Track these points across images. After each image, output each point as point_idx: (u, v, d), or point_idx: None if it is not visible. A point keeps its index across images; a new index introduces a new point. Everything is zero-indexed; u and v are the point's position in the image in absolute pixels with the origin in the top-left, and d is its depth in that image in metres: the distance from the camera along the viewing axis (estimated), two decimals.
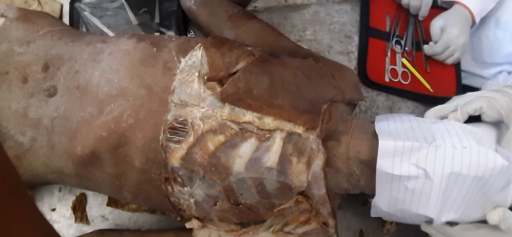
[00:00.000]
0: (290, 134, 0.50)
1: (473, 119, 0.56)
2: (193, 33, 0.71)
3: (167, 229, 0.59)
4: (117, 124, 0.49)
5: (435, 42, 0.74)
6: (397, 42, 0.76)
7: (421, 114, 0.73)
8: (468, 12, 0.74)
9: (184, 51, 0.53)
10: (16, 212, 0.31)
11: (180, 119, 0.49)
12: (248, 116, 0.50)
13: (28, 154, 0.53)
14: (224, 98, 0.49)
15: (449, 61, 0.74)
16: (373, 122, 0.57)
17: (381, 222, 0.66)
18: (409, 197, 0.51)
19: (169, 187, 0.51)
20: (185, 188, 0.51)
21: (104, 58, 0.53)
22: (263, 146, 0.50)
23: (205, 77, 0.50)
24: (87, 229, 0.62)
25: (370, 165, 0.52)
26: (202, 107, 0.50)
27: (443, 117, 0.58)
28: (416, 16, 0.78)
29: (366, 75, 0.73)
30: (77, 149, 0.50)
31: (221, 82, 0.51)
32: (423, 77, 0.74)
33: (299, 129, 0.50)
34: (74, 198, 0.62)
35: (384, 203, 0.52)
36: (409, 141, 0.50)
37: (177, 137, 0.49)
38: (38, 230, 0.35)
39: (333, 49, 0.74)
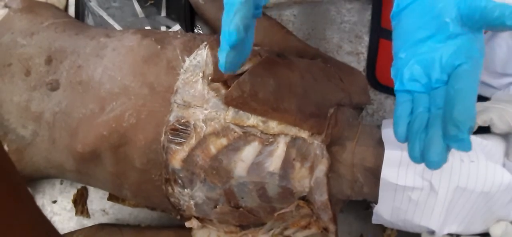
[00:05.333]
0: (294, 139, 0.49)
1: (482, 129, 0.55)
2: (199, 28, 0.70)
3: (167, 227, 0.59)
4: (119, 123, 0.49)
5: None
6: None
7: None
8: None
9: (189, 50, 0.52)
10: (16, 211, 0.31)
11: (182, 121, 0.48)
12: (253, 119, 0.49)
13: (30, 148, 0.53)
14: (229, 102, 0.48)
15: None
16: (379, 126, 0.56)
17: (382, 227, 0.66)
18: (412, 208, 0.50)
19: (169, 188, 0.51)
20: (186, 190, 0.51)
21: (107, 54, 0.52)
22: (266, 150, 0.49)
23: (210, 78, 0.49)
24: (88, 222, 0.62)
25: (374, 173, 0.51)
26: (206, 109, 0.49)
27: None
28: None
29: (375, 77, 0.71)
30: (78, 146, 0.50)
31: (225, 83, 0.50)
32: None
33: (304, 134, 0.49)
34: (75, 191, 0.63)
35: (386, 212, 0.52)
36: None
37: (179, 139, 0.48)
38: (39, 229, 0.35)
39: (342, 49, 0.72)
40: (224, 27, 0.37)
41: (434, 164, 0.35)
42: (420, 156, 0.36)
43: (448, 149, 0.35)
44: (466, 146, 0.33)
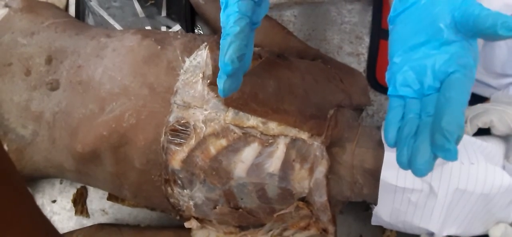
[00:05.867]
0: (294, 140, 0.49)
1: (483, 131, 0.55)
2: (200, 28, 0.70)
3: (166, 227, 0.59)
4: (118, 123, 0.49)
5: None
6: None
7: None
8: None
9: (189, 51, 0.52)
10: (16, 211, 0.31)
11: (182, 121, 0.48)
12: (252, 120, 0.49)
13: (29, 148, 0.53)
14: (229, 103, 0.48)
15: None
16: (379, 128, 0.56)
17: (381, 229, 0.66)
18: (412, 210, 0.50)
19: (169, 189, 0.51)
20: (185, 190, 0.51)
21: (107, 54, 0.52)
22: (265, 152, 0.49)
23: (208, 81, 0.49)
24: (87, 222, 0.62)
25: (374, 174, 0.51)
26: (205, 110, 0.49)
27: None
28: None
29: (375, 78, 0.71)
30: (78, 146, 0.50)
31: None
32: None
33: (304, 135, 0.49)
34: (75, 190, 0.63)
35: (385, 213, 0.52)
36: None
37: (179, 140, 0.48)
38: (39, 229, 0.35)
39: (343, 50, 0.72)
40: (221, 56, 0.38)
41: (420, 172, 0.34)
42: (408, 162, 0.36)
43: (435, 157, 0.34)
44: (452, 156, 0.32)
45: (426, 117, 0.36)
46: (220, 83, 0.39)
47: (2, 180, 0.30)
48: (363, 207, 0.66)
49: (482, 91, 0.82)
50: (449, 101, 0.34)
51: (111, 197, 0.60)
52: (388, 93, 0.41)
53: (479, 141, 0.52)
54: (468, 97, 0.34)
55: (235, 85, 0.40)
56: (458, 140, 0.32)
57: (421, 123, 0.36)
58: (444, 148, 0.32)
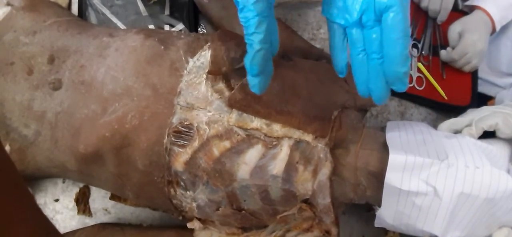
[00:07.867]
0: (298, 142, 0.49)
1: (487, 134, 0.54)
2: (203, 27, 0.69)
3: (168, 227, 0.59)
4: (121, 124, 0.48)
5: (453, 48, 0.72)
6: (414, 46, 0.73)
7: (434, 121, 0.72)
8: (488, 18, 0.71)
9: (192, 51, 0.52)
10: (17, 211, 0.31)
11: (185, 123, 0.48)
12: (256, 122, 0.48)
13: (32, 148, 0.52)
14: (232, 104, 0.48)
15: (466, 68, 0.72)
16: (383, 129, 0.55)
17: (383, 230, 0.65)
18: (416, 213, 0.50)
19: (171, 190, 0.51)
20: (188, 192, 0.50)
21: (110, 54, 0.52)
22: (269, 153, 0.49)
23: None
24: (90, 221, 0.62)
25: (378, 177, 0.51)
26: (209, 111, 0.48)
27: (457, 131, 0.57)
28: (435, 19, 0.75)
29: None
30: (80, 147, 0.49)
31: (229, 85, 0.49)
32: (438, 84, 0.72)
33: (308, 137, 0.49)
34: (77, 189, 0.62)
35: (389, 216, 0.52)
36: (420, 156, 0.48)
37: (182, 141, 0.48)
38: (39, 229, 0.35)
39: None
40: (248, 58, 0.39)
41: (382, 101, 0.40)
42: (367, 95, 0.41)
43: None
44: (404, 87, 0.38)
45: (376, 59, 0.38)
46: (253, 81, 0.40)
47: (3, 180, 0.30)
48: (366, 208, 0.66)
49: (487, 90, 0.81)
50: (394, 44, 0.36)
51: (113, 197, 0.60)
52: (324, 14, 0.42)
53: (484, 145, 0.52)
54: (408, 25, 0.37)
55: (267, 78, 0.41)
56: (407, 73, 0.37)
57: (372, 65, 0.39)
58: (399, 84, 0.38)
